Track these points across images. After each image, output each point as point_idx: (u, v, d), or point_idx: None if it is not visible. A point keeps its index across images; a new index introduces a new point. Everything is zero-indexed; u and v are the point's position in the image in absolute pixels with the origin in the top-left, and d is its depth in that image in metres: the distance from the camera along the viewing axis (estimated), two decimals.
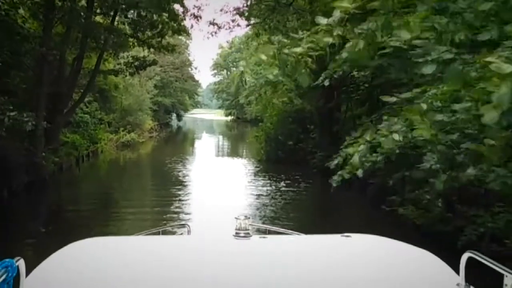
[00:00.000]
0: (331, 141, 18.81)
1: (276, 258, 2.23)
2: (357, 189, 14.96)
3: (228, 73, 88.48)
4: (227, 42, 79.58)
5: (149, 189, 17.18)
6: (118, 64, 23.79)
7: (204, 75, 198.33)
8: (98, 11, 21.77)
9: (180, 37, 61.50)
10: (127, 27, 24.25)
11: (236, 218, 2.50)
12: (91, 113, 29.70)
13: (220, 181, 17.30)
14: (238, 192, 15.03)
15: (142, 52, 25.88)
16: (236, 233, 2.45)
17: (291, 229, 3.47)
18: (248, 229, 2.48)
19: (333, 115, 19.28)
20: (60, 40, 19.82)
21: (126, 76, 24.53)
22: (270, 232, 3.44)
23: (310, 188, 17.00)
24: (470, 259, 1.91)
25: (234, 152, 33.51)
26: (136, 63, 23.49)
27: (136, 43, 24.24)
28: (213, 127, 73.82)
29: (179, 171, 20.40)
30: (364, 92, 19.48)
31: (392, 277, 2.06)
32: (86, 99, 28.90)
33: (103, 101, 29.60)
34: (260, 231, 3.20)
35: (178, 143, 42.93)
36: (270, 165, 22.17)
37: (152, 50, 32.10)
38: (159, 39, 24.28)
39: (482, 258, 1.86)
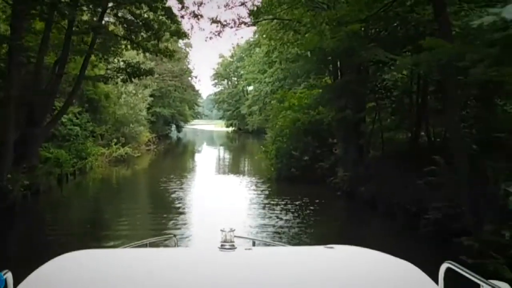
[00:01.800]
0: (357, 158, 15.82)
1: (260, 269, 2.26)
2: (403, 220, 11.91)
3: (229, 83, 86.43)
4: (232, 46, 76.69)
5: (139, 218, 14.09)
6: (108, 69, 20.77)
7: (204, 85, 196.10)
8: (84, 8, 18.91)
9: (179, 44, 59.03)
10: (120, 28, 21.41)
11: (221, 230, 2.46)
12: (81, 125, 26.85)
13: (226, 208, 14.15)
14: (251, 225, 11.88)
15: (137, 58, 22.86)
16: (222, 245, 2.43)
17: None
18: (233, 241, 2.45)
19: (360, 127, 16.27)
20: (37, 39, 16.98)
21: (116, 83, 21.50)
22: (256, 244, 3.43)
23: (342, 217, 13.91)
24: (448, 270, 1.97)
25: (238, 168, 30.35)
26: (129, 69, 20.46)
27: (129, 46, 21.29)
28: (214, 139, 70.97)
29: (177, 194, 17.33)
30: (397, 99, 16.51)
31: (373, 287, 2.06)
32: (75, 110, 26.22)
33: (93, 112, 26.68)
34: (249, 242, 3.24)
35: (177, 157, 39.79)
36: (282, 185, 19.10)
37: (149, 57, 29.80)
38: (155, 41, 21.37)
39: (460, 268, 1.91)
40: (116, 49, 20.98)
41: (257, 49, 53.66)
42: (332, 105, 16.28)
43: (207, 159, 36.52)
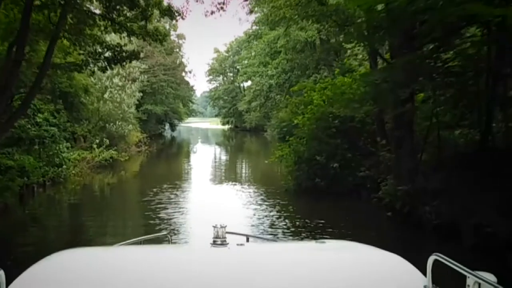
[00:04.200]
0: (414, 165, 11.77)
1: (251, 264, 2.26)
2: None
3: (225, 78, 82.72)
4: (238, 19, 72.65)
5: None
6: (81, 54, 16.47)
7: (198, 82, 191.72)
8: None
9: (171, 37, 54.72)
10: (97, 4, 17.22)
11: (213, 226, 2.45)
12: (60, 125, 22.73)
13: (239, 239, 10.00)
14: None
15: (118, 40, 18.55)
16: (214, 241, 2.43)
17: None
18: (225, 237, 2.44)
19: (412, 124, 12.19)
20: None
21: (93, 72, 17.30)
22: (248, 239, 3.37)
23: (417, 254, 9.66)
24: (436, 261, 1.99)
25: (243, 174, 26.02)
26: (108, 54, 16.27)
27: (109, 27, 17.08)
28: (211, 138, 66.93)
29: (166, 214, 13.26)
30: (460, 87, 12.43)
31: (362, 279, 2.10)
32: (52, 108, 22.14)
33: (69, 109, 22.49)
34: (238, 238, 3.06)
35: (171, 160, 35.48)
36: (306, 199, 15.03)
37: (136, 43, 25.64)
38: (143, 22, 17.19)
39: (447, 260, 1.94)
40: (93, 31, 16.87)
41: (255, 42, 49.77)
42: (392, 98, 11.86)
43: (205, 162, 32.17)
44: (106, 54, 16.09)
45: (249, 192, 17.44)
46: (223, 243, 2.39)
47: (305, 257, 2.41)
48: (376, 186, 14.03)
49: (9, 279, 1.88)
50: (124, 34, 17.41)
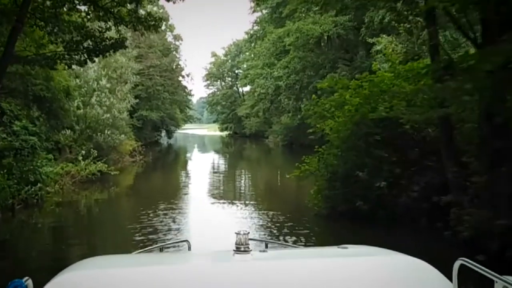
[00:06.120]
0: None
1: (277, 270, 2.25)
2: None
3: (223, 83, 79.89)
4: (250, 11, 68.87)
5: None
6: (53, 42, 13.03)
7: (194, 87, 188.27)
8: None
9: (168, 38, 51.42)
10: None
11: (236, 233, 2.42)
12: (41, 134, 19.23)
13: None
14: None
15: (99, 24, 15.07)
16: (237, 247, 2.39)
17: None
18: (248, 244, 2.40)
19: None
20: None
21: (69, 67, 13.91)
22: (270, 246, 3.37)
23: None
24: (462, 266, 1.97)
25: (253, 192, 22.10)
26: (88, 44, 12.89)
27: (91, 13, 13.74)
28: (209, 145, 63.60)
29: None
30: None
31: (388, 285, 2.06)
32: (33, 113, 18.86)
33: (47, 115, 19.06)
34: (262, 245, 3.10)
35: (167, 172, 31.76)
36: (346, 229, 11.50)
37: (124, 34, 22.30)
38: (133, 5, 13.88)
39: (473, 265, 1.92)
40: (71, 18, 13.57)
41: (255, 43, 46.63)
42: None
43: (207, 176, 27.99)
44: (86, 44, 12.69)
45: (271, 216, 13.76)
46: (246, 250, 2.34)
47: (328, 262, 2.35)
48: (437, 211, 10.70)
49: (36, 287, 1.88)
50: (111, 22, 14.14)
